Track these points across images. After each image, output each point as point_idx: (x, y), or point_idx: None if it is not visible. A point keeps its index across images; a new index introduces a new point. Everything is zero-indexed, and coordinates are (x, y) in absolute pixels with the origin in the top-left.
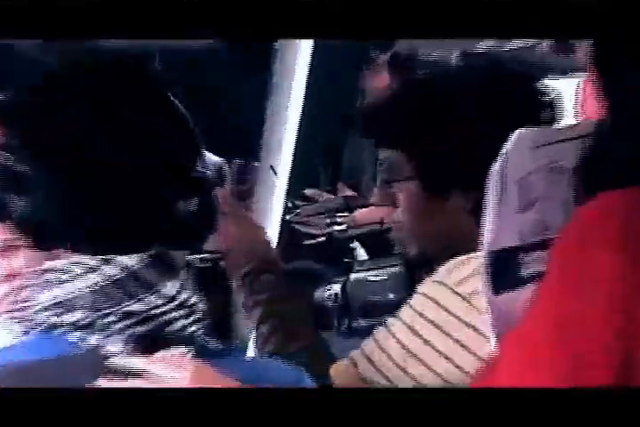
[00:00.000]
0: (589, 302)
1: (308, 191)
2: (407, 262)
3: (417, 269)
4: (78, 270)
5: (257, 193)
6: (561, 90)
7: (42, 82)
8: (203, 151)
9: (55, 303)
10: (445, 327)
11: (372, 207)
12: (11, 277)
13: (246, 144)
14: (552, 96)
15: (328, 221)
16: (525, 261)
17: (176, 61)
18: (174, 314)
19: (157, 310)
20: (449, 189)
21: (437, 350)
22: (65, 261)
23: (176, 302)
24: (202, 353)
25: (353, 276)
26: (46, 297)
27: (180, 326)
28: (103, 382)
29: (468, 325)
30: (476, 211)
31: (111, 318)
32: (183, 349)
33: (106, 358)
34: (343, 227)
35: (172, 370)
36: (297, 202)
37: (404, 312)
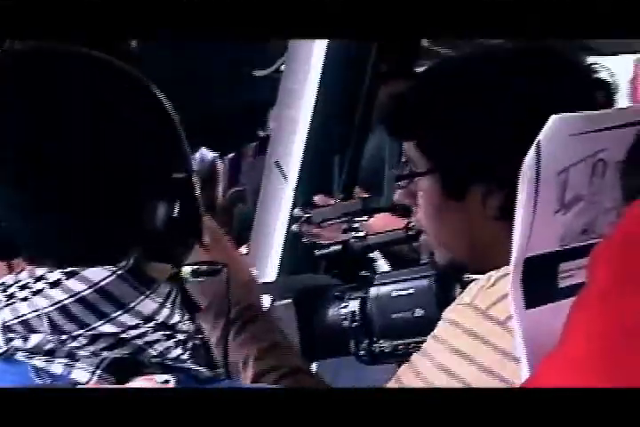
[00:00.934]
0: None
1: (317, 198)
2: (437, 272)
3: (448, 282)
4: (39, 286)
5: (262, 199)
6: (612, 70)
7: None
8: (187, 149)
9: (14, 324)
10: (478, 358)
11: (389, 213)
12: None
13: (244, 139)
14: (599, 75)
15: (344, 226)
16: (565, 269)
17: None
18: (152, 336)
19: (132, 332)
20: (468, 183)
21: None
22: (26, 274)
23: (154, 323)
24: (185, 382)
25: (373, 290)
26: (4, 316)
27: (161, 350)
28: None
29: (504, 353)
30: (504, 211)
31: (78, 342)
32: (164, 376)
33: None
34: (361, 234)
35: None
36: (306, 209)
37: (430, 346)
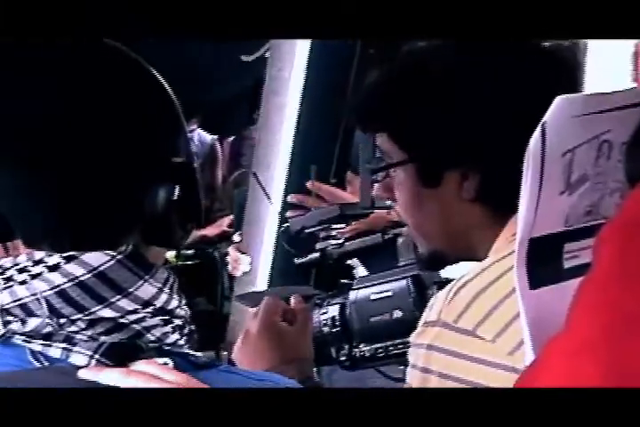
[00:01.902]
0: None
1: (291, 197)
2: (414, 272)
3: (425, 282)
4: (38, 269)
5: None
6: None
7: None
8: (187, 134)
9: (13, 307)
10: (465, 376)
11: (372, 216)
12: None
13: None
14: (563, 56)
15: (321, 235)
16: (569, 250)
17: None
18: (150, 321)
19: (130, 317)
20: (443, 169)
21: None
22: (24, 257)
23: (152, 308)
24: (182, 366)
25: (352, 295)
26: (2, 299)
27: (159, 335)
28: None
29: (484, 362)
30: (480, 193)
31: (77, 326)
32: (161, 360)
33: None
34: (339, 241)
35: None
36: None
37: (414, 377)
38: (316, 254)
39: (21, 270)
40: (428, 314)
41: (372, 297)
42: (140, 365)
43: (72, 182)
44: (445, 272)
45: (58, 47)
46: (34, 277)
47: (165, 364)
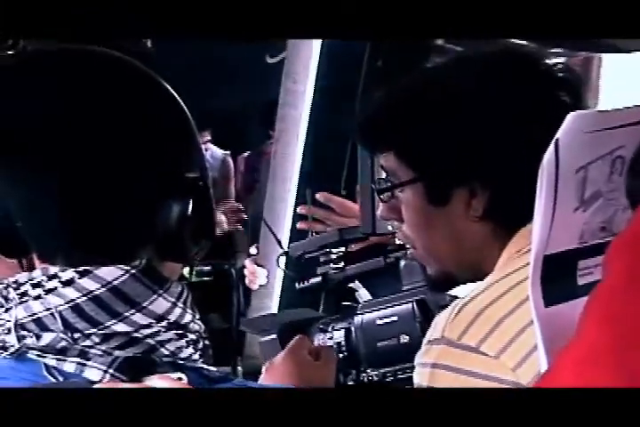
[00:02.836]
0: None
1: (319, 195)
2: (430, 286)
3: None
4: (52, 284)
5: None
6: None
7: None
8: (201, 149)
9: (27, 322)
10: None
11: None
12: None
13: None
14: (564, 76)
15: (322, 259)
16: (583, 266)
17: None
18: (164, 335)
19: (144, 331)
20: (452, 186)
21: None
22: (39, 272)
23: (166, 322)
24: (196, 381)
25: (357, 320)
26: (17, 314)
27: (173, 349)
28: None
29: (489, 378)
30: (488, 211)
31: (91, 340)
32: (175, 375)
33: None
34: (340, 265)
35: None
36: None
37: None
38: (318, 279)
39: (36, 285)
40: (432, 332)
41: (378, 322)
42: (154, 380)
43: (86, 197)
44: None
45: (69, 65)
46: (48, 291)
47: (180, 379)
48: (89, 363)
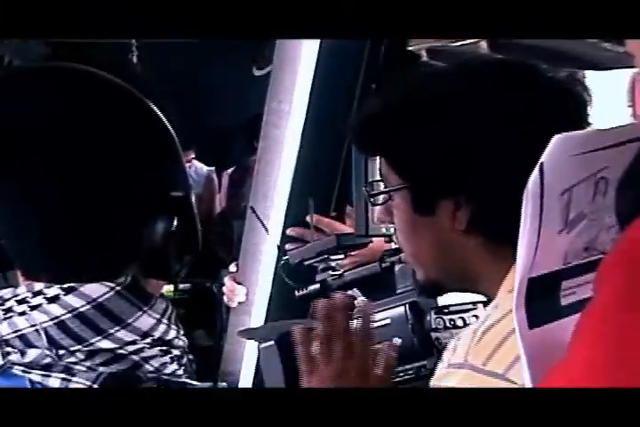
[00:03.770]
0: None
1: (290, 231)
2: (410, 300)
3: (422, 308)
4: (37, 301)
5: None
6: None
7: None
8: (185, 168)
9: (12, 338)
10: None
11: (369, 246)
12: None
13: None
14: (571, 87)
15: (320, 266)
16: (567, 287)
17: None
18: (149, 352)
19: (129, 348)
20: (438, 197)
21: None
22: (24, 288)
23: (151, 338)
24: None
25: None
26: (1, 330)
27: (157, 366)
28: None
29: None
30: (472, 225)
31: (76, 357)
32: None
33: None
34: (338, 272)
35: None
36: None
37: None
38: (317, 286)
39: (21, 302)
40: (452, 356)
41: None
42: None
43: (71, 215)
44: (443, 299)
45: (53, 84)
46: (33, 308)
47: None
48: (74, 379)
